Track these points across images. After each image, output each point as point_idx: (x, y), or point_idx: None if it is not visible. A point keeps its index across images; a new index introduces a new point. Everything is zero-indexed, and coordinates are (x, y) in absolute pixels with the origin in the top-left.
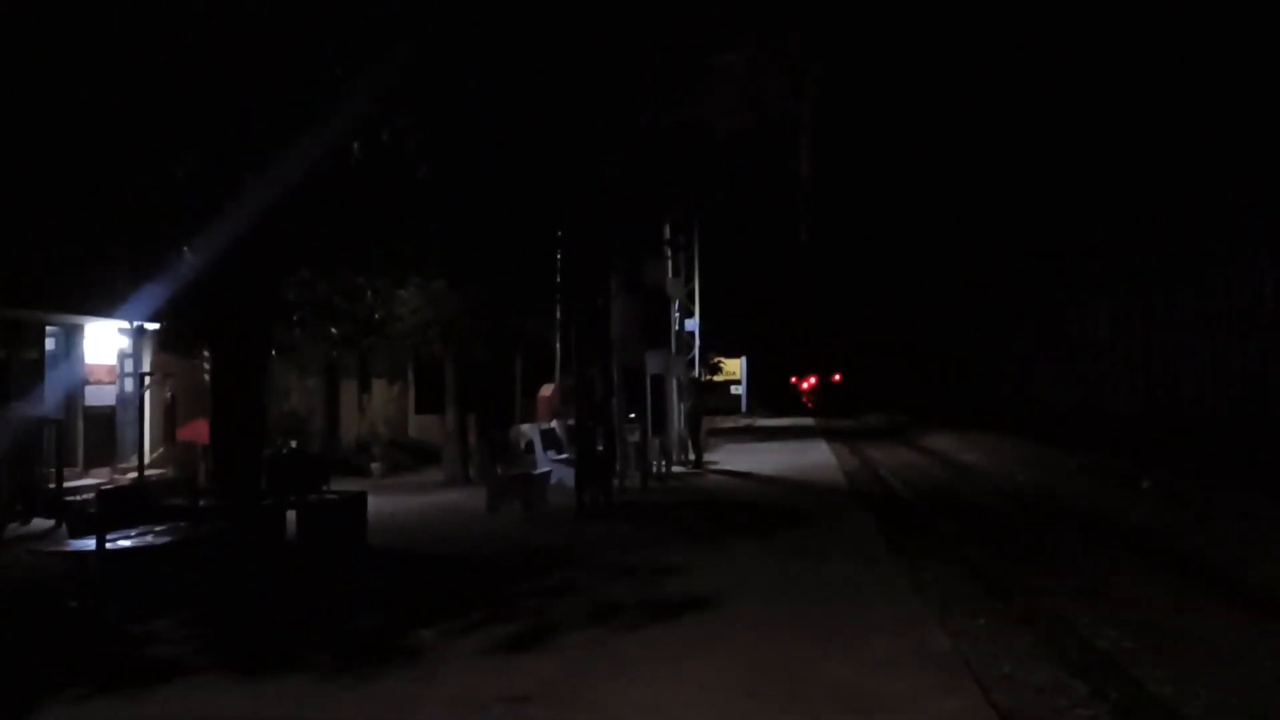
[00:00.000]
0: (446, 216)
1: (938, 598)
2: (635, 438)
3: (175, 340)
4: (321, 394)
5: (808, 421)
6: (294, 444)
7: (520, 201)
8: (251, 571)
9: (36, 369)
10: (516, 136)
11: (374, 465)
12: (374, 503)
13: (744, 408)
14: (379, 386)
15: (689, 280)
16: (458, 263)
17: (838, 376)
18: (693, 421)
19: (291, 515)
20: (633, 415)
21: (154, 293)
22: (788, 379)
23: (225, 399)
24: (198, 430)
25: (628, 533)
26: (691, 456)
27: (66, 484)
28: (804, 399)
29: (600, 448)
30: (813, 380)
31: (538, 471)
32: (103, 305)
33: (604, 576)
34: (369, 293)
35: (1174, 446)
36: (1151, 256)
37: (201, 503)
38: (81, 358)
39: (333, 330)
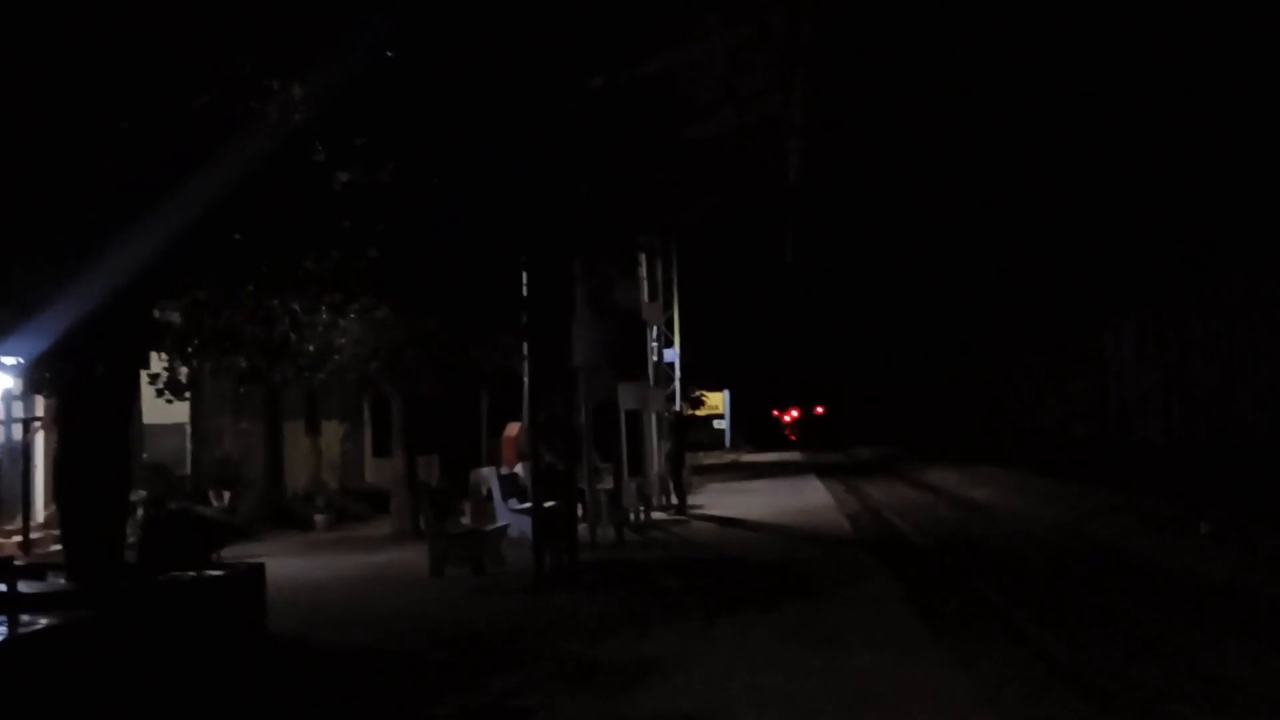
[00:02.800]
0: (373, 228)
1: (1019, 711)
2: (608, 483)
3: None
4: (262, 436)
5: (795, 456)
6: (173, 504)
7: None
8: (78, 687)
9: None
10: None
11: (318, 517)
12: (303, 566)
13: (728, 443)
14: (330, 427)
15: (667, 306)
16: (391, 282)
17: (820, 409)
18: (674, 462)
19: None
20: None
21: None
22: (770, 412)
23: (74, 450)
24: None
25: (595, 607)
26: (674, 501)
27: None
28: (787, 432)
29: (561, 498)
30: (795, 413)
31: (494, 526)
32: None
33: (555, 682)
34: (288, 319)
35: (1220, 480)
36: (1185, 268)
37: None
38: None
39: (241, 362)
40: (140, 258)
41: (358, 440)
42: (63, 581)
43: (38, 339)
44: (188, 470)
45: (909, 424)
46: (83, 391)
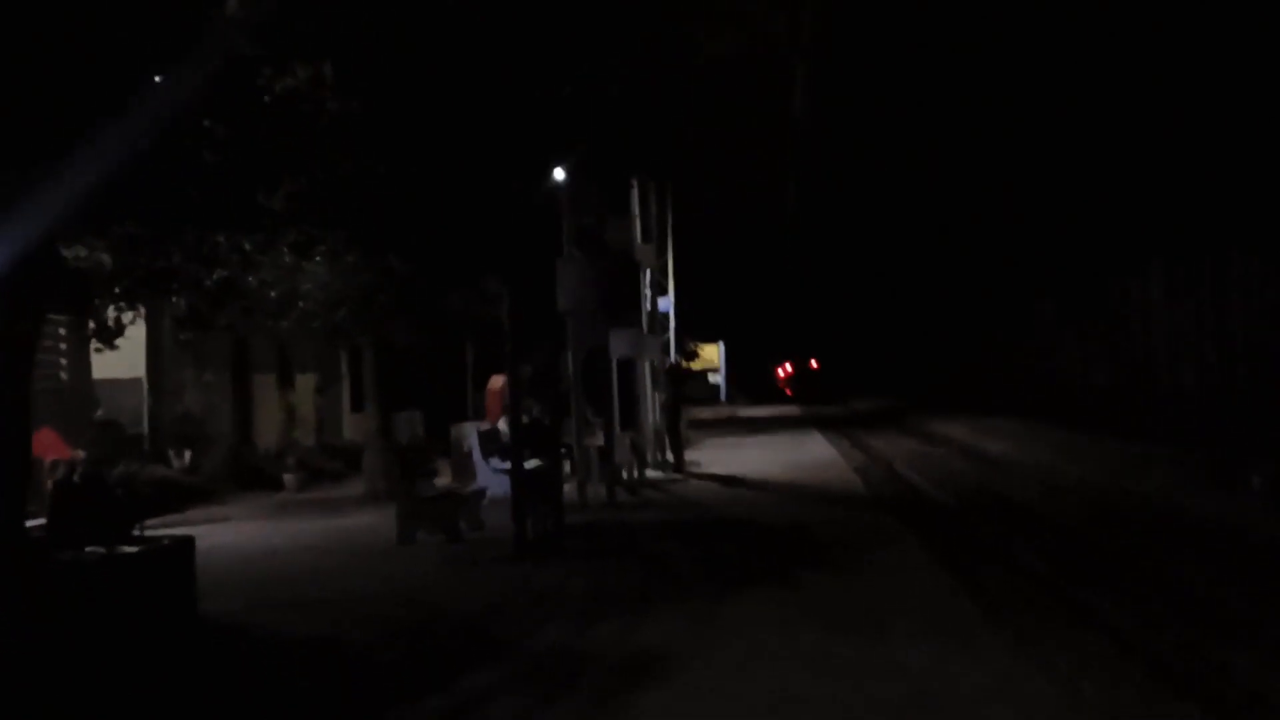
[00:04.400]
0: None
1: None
2: (599, 439)
3: None
4: (228, 390)
5: (793, 410)
6: (102, 466)
7: (438, 130)
8: None
9: None
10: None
11: (288, 477)
12: (263, 531)
13: (724, 396)
14: (304, 381)
15: (661, 251)
16: (356, 220)
17: (815, 362)
18: (671, 415)
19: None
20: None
21: None
22: (764, 365)
23: None
24: (44, 442)
25: (582, 582)
26: (670, 458)
27: None
28: (781, 386)
29: (545, 456)
30: (789, 367)
31: (473, 487)
32: None
33: (533, 684)
34: (237, 258)
35: (1266, 430)
36: (1221, 204)
37: None
38: None
39: (180, 306)
40: (41, 181)
41: (335, 394)
42: None
43: None
44: (145, 428)
45: (909, 376)
46: None
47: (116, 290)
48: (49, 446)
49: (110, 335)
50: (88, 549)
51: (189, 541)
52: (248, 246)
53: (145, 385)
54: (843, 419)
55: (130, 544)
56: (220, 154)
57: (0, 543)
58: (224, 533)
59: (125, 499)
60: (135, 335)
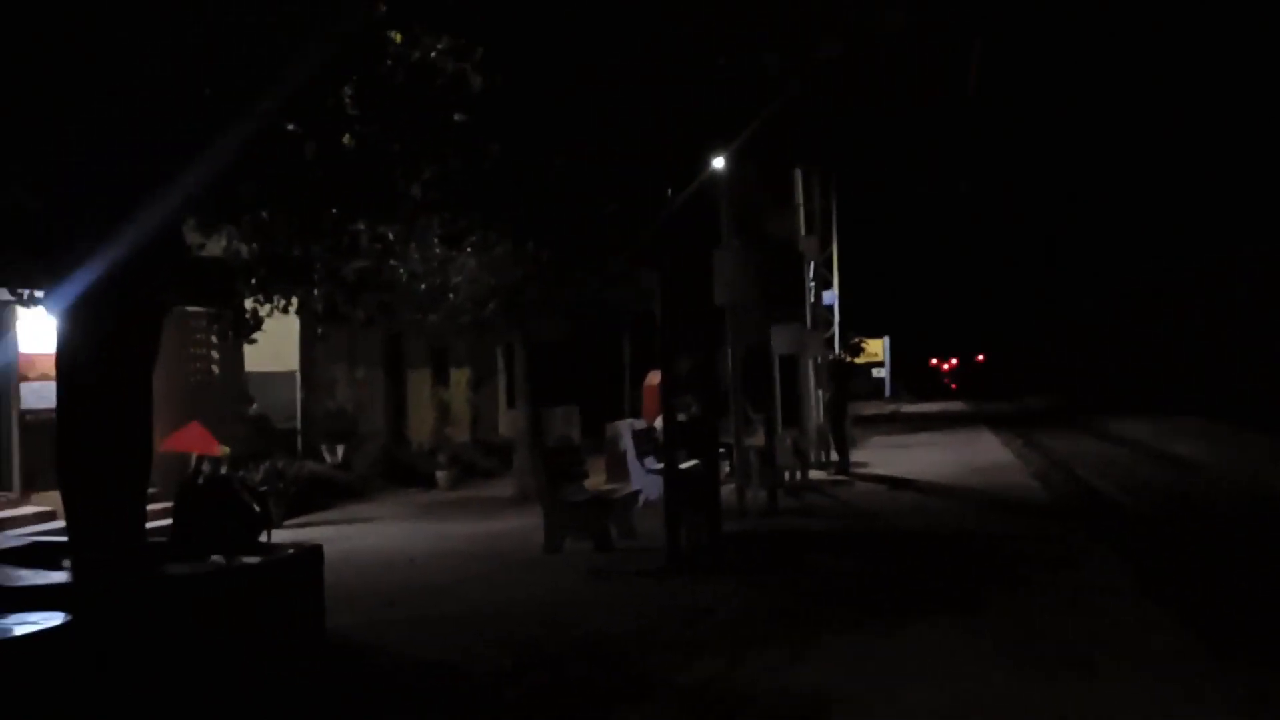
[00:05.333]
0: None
1: None
2: (760, 438)
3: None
4: (381, 386)
5: (959, 406)
6: (225, 469)
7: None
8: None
9: None
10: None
11: (440, 474)
12: (407, 533)
13: (888, 392)
14: (458, 376)
15: (825, 243)
16: (505, 208)
17: (981, 357)
18: (835, 414)
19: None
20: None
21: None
22: (928, 360)
23: (76, 407)
24: (193, 437)
25: (739, 602)
26: (834, 458)
27: None
28: (946, 381)
29: (702, 457)
30: (954, 361)
31: (624, 491)
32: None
33: None
34: (379, 248)
35: None
36: None
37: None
38: (14, 346)
39: (315, 292)
40: (166, 166)
41: (490, 390)
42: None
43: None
44: (298, 423)
45: (1083, 372)
46: (87, 334)
47: (253, 281)
48: (197, 441)
49: (247, 328)
50: (211, 558)
51: (316, 552)
52: (390, 236)
53: (298, 379)
54: (1014, 417)
55: (255, 553)
56: (355, 134)
57: (120, 552)
58: (368, 534)
59: (253, 503)
60: (290, 329)
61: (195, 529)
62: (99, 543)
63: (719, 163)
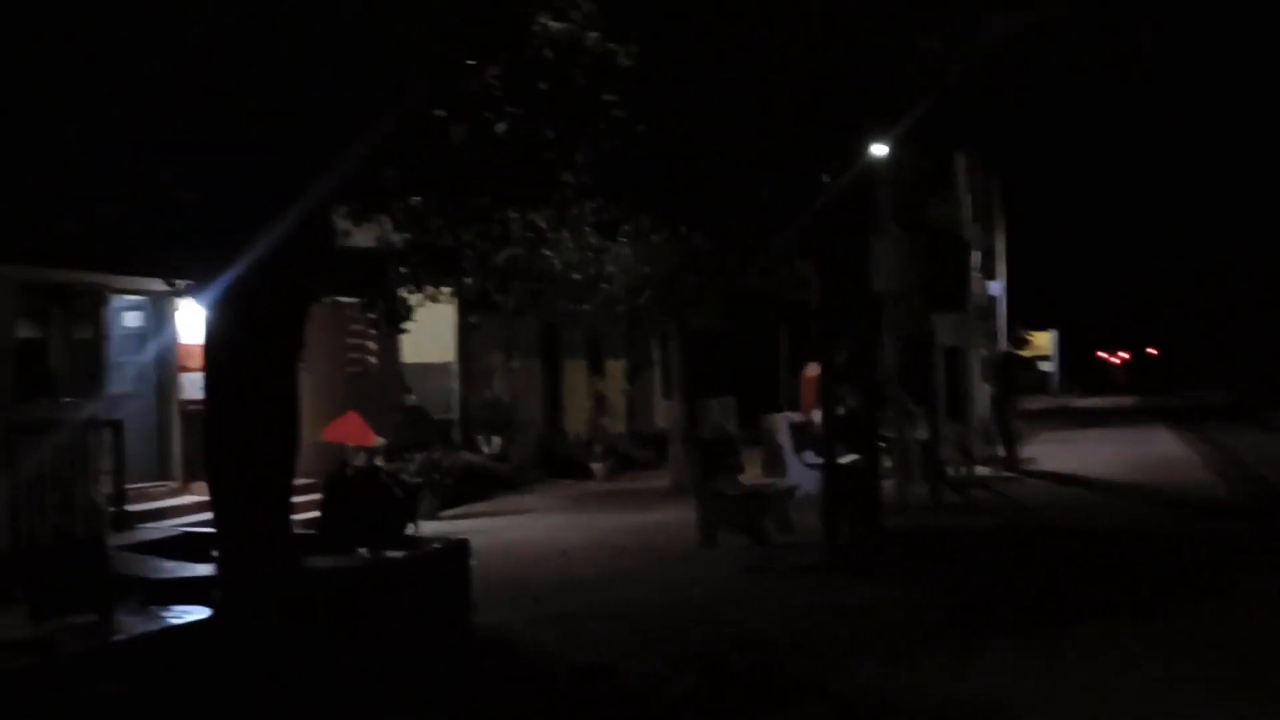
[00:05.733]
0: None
1: None
2: (922, 432)
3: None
4: (538, 376)
5: (1129, 401)
6: (375, 461)
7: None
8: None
9: (92, 352)
10: None
11: (596, 466)
12: (561, 525)
13: (1055, 386)
14: (614, 367)
15: (990, 231)
16: (658, 194)
17: (1153, 350)
18: (1002, 407)
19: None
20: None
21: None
22: (1095, 354)
23: (227, 393)
24: (350, 427)
25: (900, 602)
26: (1001, 453)
27: (148, 505)
28: (1116, 375)
29: (861, 451)
30: (1124, 355)
31: (781, 485)
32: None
33: None
34: (532, 236)
35: None
36: None
37: None
38: (174, 337)
39: (466, 280)
40: (317, 149)
41: (646, 380)
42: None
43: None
44: (455, 414)
45: (1265, 365)
46: (235, 324)
47: (402, 270)
48: (354, 431)
49: (398, 317)
50: (358, 551)
51: (462, 546)
52: (541, 223)
53: (454, 370)
54: (1189, 412)
55: (402, 546)
56: (504, 116)
57: (264, 544)
58: (523, 526)
59: (400, 496)
60: (446, 320)
61: (342, 521)
62: (245, 534)
63: (879, 148)
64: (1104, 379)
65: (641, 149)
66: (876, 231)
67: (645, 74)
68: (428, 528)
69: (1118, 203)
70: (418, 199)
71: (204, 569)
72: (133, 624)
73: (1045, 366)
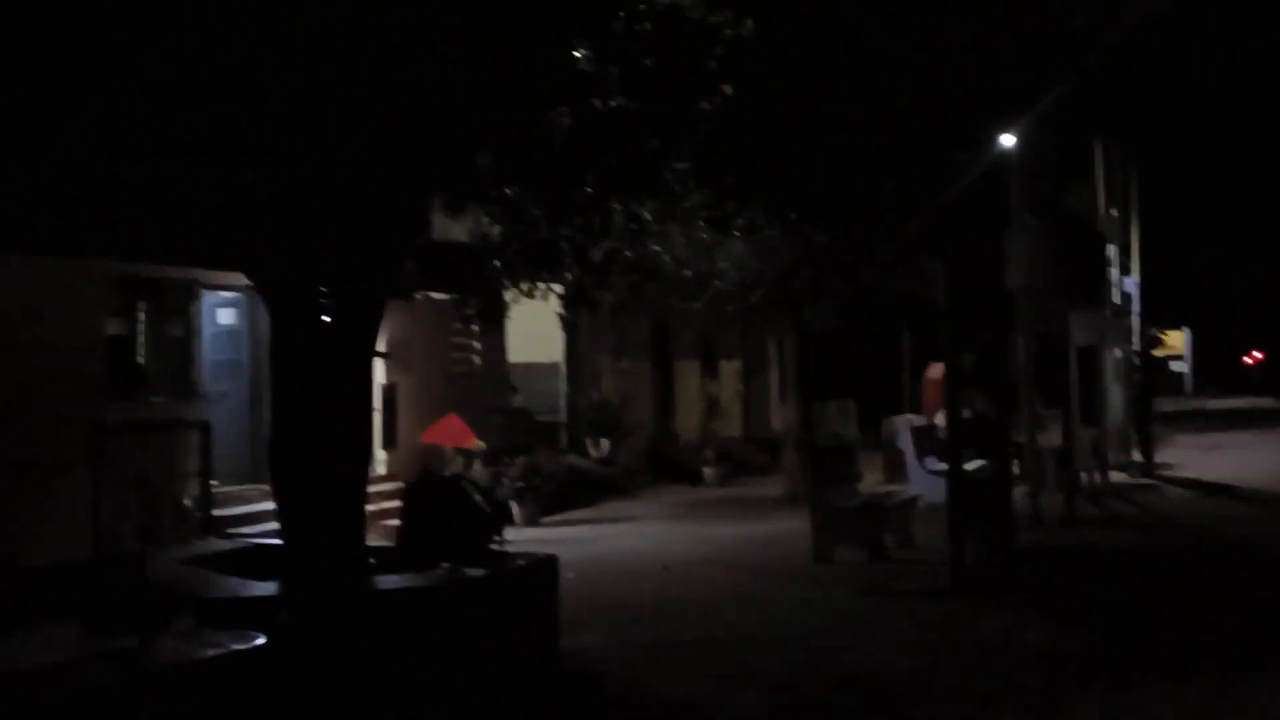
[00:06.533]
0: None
1: None
2: (1055, 438)
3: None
4: (648, 377)
5: (1269, 403)
6: (474, 468)
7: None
8: None
9: (183, 349)
10: None
11: (707, 470)
12: (667, 535)
13: (1188, 387)
14: (729, 368)
15: (1125, 224)
16: (757, 183)
17: None
18: (1140, 411)
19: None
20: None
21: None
22: (1231, 354)
23: (294, 396)
24: (450, 430)
25: (1039, 634)
26: (1137, 459)
27: (239, 509)
28: (1250, 375)
29: (991, 459)
30: (1259, 354)
31: (902, 495)
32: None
33: None
34: (635, 229)
35: None
36: None
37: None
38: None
39: (567, 276)
40: (402, 132)
41: (762, 382)
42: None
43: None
44: (562, 415)
45: None
46: (304, 322)
47: (497, 264)
48: (454, 434)
49: (493, 314)
50: (438, 566)
51: (550, 563)
52: (645, 215)
53: (562, 370)
54: None
55: (486, 561)
56: (602, 99)
57: (332, 560)
58: (625, 535)
59: (486, 505)
60: (554, 319)
61: (422, 534)
62: (312, 550)
63: (1008, 139)
64: (1239, 378)
65: (754, 134)
66: (1010, 224)
67: (758, 49)
68: (527, 535)
69: (1253, 196)
70: (514, 189)
71: (266, 588)
72: (173, 650)
73: (1178, 367)
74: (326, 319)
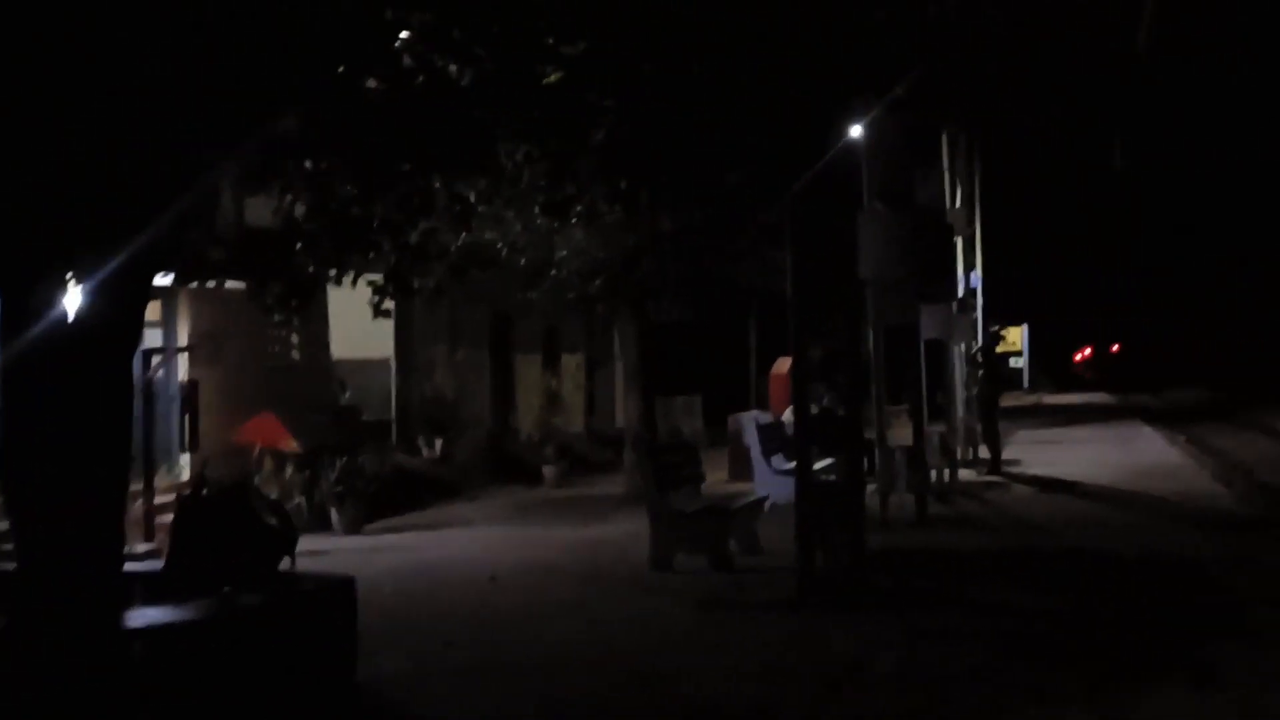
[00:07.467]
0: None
1: None
2: (902, 436)
3: None
4: (486, 371)
5: (1102, 398)
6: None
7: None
8: None
9: None
10: None
11: (547, 469)
12: (498, 540)
13: (1026, 383)
14: (571, 361)
15: (971, 216)
16: (617, 167)
17: (1116, 346)
18: (987, 408)
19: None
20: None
21: None
22: (1063, 350)
23: (28, 393)
24: (264, 429)
25: (896, 653)
26: (984, 456)
27: None
28: (1079, 371)
29: (841, 458)
30: (1088, 351)
31: (746, 499)
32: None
33: None
34: (458, 209)
35: None
36: None
37: None
38: None
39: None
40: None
41: (607, 376)
42: None
43: None
44: (392, 413)
45: (1226, 361)
46: (36, 309)
47: (298, 246)
48: (267, 434)
49: (294, 303)
50: (216, 591)
51: (346, 586)
52: (469, 195)
53: (392, 364)
54: (1164, 411)
55: (272, 585)
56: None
57: (76, 588)
58: (455, 541)
59: (275, 521)
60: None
61: (196, 555)
62: (54, 577)
63: (858, 127)
64: (1069, 375)
65: (598, 109)
66: (861, 212)
67: (598, 20)
68: (346, 544)
69: (1086, 195)
70: (319, 161)
71: None
72: None
73: (1015, 363)
74: (72, 307)
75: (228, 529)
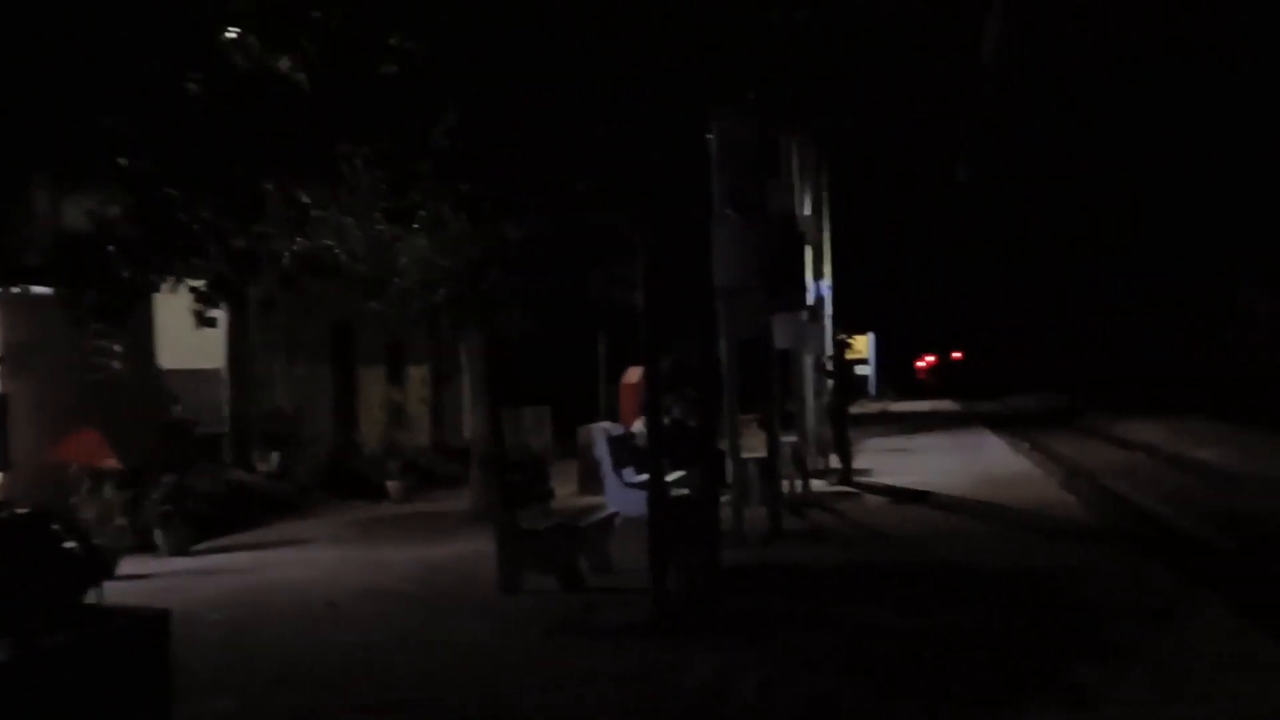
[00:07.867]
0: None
1: None
2: (753, 447)
3: None
4: (328, 384)
5: (949, 405)
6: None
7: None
8: None
9: None
10: None
11: (391, 484)
12: (337, 562)
13: (872, 391)
14: (418, 374)
15: (820, 225)
16: (457, 172)
17: (958, 354)
18: (838, 417)
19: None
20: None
21: None
22: (906, 358)
23: None
24: (83, 446)
25: (755, 680)
26: (835, 465)
27: None
28: (921, 378)
29: (695, 472)
30: (930, 358)
31: (597, 515)
32: None
33: None
34: (294, 214)
35: None
36: None
37: None
38: None
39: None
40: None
41: (454, 389)
42: None
43: None
44: (225, 427)
45: (1067, 370)
46: None
47: (110, 249)
48: (87, 451)
49: (111, 312)
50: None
51: (158, 621)
52: (305, 199)
53: (224, 376)
54: (1009, 417)
55: (73, 623)
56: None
57: None
58: (292, 562)
59: (78, 552)
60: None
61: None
62: None
63: (709, 133)
64: (912, 383)
65: (433, 111)
66: (714, 220)
67: (434, 13)
68: (173, 566)
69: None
70: (138, 161)
71: None
72: None
73: (862, 370)
74: None
75: (22, 559)
